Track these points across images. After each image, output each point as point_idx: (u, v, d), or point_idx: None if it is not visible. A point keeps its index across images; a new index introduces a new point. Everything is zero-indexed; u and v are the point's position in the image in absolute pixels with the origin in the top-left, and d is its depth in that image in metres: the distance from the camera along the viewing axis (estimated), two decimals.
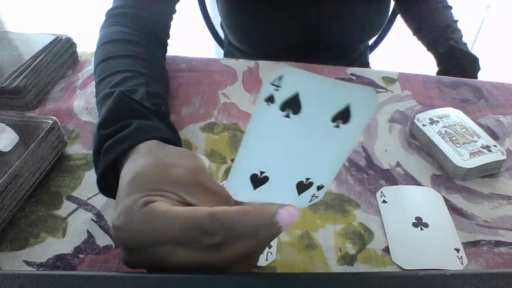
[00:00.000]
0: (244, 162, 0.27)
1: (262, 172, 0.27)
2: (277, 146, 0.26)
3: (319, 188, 0.29)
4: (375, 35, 0.86)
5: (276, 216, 0.27)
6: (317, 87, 0.24)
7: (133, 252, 0.28)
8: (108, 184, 0.36)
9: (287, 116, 0.25)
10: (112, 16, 0.56)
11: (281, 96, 0.24)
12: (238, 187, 0.28)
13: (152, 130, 0.36)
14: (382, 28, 0.83)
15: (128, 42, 0.52)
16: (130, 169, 0.31)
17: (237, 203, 0.29)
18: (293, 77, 0.23)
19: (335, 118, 0.25)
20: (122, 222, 0.27)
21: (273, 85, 0.23)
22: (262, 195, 0.28)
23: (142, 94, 0.42)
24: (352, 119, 0.25)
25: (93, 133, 0.38)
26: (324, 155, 0.27)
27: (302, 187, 0.28)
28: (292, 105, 0.24)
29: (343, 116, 0.25)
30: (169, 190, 0.28)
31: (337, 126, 0.25)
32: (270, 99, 0.24)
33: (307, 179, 0.28)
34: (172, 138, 0.38)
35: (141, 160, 0.31)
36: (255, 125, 0.25)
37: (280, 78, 0.23)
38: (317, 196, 0.29)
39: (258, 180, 0.28)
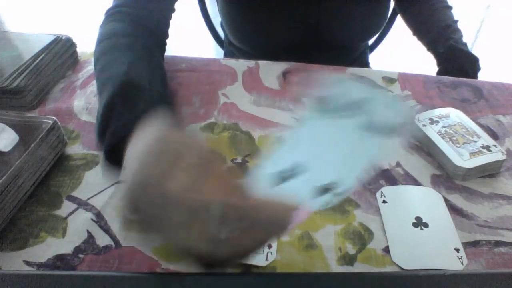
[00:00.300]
0: (273, 159, 0.28)
1: (286, 171, 0.29)
2: (306, 147, 0.28)
3: (336, 194, 0.29)
4: (375, 35, 0.86)
5: (289, 216, 0.26)
6: (353, 93, 0.25)
7: (141, 230, 0.27)
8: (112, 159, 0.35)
9: (320, 120, 0.27)
10: (112, 15, 0.56)
11: (318, 101, 0.26)
12: (261, 181, 0.29)
13: (158, 113, 0.35)
14: (382, 28, 0.83)
15: (128, 36, 0.52)
16: (139, 150, 0.30)
17: (249, 195, 0.28)
18: (338, 84, 0.25)
19: (365, 127, 0.26)
20: (131, 201, 0.26)
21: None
22: (281, 191, 0.29)
23: (145, 82, 0.41)
24: (382, 128, 0.26)
25: (96, 114, 0.37)
26: (349, 161, 0.29)
27: (321, 190, 0.29)
28: (327, 109, 0.26)
29: (373, 125, 0.26)
30: (181, 174, 0.27)
31: (368, 134, 0.27)
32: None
33: (327, 183, 0.29)
34: (177, 123, 0.37)
35: (151, 142, 0.30)
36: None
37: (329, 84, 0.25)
38: (331, 202, 0.29)
39: (282, 177, 0.29)
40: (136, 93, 0.38)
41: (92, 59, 0.66)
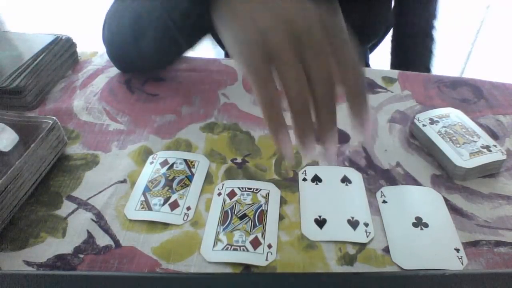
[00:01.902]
0: (307, 211, 0.42)
1: (320, 216, 0.42)
2: (321, 200, 0.43)
3: (366, 224, 0.41)
4: (375, 39, 0.86)
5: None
6: (326, 169, 0.47)
7: None
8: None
9: (316, 184, 0.45)
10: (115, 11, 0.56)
11: (309, 176, 0.46)
12: (310, 229, 0.40)
13: None
14: (383, 32, 0.82)
15: None
16: None
17: None
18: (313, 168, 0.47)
19: (343, 181, 0.46)
20: None
21: (303, 173, 0.47)
22: (328, 234, 0.40)
23: None
24: (352, 181, 0.46)
25: None
26: (350, 201, 0.43)
27: (352, 223, 0.41)
28: (317, 179, 0.46)
29: (346, 179, 0.46)
30: None
31: (346, 185, 0.45)
32: (304, 179, 0.46)
33: (352, 217, 0.41)
34: None
35: None
36: (302, 190, 0.45)
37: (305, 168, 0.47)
38: (370, 232, 0.40)
39: (320, 222, 0.41)
40: None
41: (93, 59, 0.67)
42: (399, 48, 0.85)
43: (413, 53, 0.83)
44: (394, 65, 0.86)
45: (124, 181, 0.46)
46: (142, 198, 0.43)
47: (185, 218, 0.42)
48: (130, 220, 0.41)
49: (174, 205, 0.43)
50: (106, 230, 0.41)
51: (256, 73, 0.31)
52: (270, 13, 0.32)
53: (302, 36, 0.31)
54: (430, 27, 0.81)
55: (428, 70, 0.83)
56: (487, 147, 0.48)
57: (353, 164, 0.49)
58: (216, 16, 0.38)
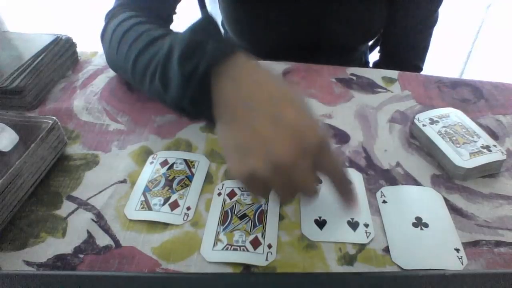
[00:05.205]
0: (307, 212, 0.42)
1: (320, 217, 0.42)
2: (321, 201, 0.42)
3: (366, 225, 0.41)
4: (376, 36, 0.86)
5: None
6: None
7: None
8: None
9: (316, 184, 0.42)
10: (114, 14, 0.56)
11: None
12: (310, 230, 0.40)
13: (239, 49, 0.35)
14: (382, 29, 0.82)
15: (146, 23, 0.50)
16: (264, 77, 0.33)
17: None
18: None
19: None
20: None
21: None
22: (328, 234, 0.40)
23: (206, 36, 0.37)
24: (352, 181, 0.40)
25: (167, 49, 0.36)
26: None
27: (352, 224, 0.41)
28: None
29: None
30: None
31: None
32: None
33: (352, 218, 0.42)
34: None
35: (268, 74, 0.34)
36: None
37: None
38: (370, 233, 0.40)
39: (320, 223, 0.41)
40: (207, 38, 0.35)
41: (93, 59, 0.67)
42: (388, 44, 0.84)
43: (403, 49, 0.82)
44: (381, 63, 0.86)
45: (124, 181, 0.46)
46: (142, 198, 0.43)
47: (185, 218, 0.42)
48: (130, 220, 0.41)
49: (174, 205, 0.43)
50: (106, 230, 0.41)
51: (252, 190, 0.33)
52: (274, 126, 0.31)
53: (312, 149, 0.31)
54: (424, 21, 0.80)
55: (418, 68, 0.83)
56: (487, 147, 0.48)
57: (353, 164, 0.49)
58: (216, 114, 0.35)
